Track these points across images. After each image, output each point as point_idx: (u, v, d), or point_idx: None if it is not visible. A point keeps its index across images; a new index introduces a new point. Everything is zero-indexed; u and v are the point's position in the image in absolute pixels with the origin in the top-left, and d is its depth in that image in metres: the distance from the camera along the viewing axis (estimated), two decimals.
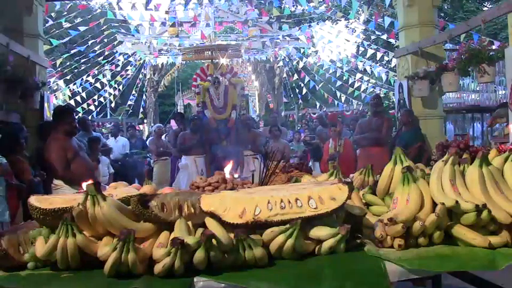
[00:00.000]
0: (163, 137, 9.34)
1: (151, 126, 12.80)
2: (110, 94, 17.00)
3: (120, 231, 1.39)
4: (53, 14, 10.47)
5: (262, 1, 15.34)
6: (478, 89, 10.53)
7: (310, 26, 15.28)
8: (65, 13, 10.94)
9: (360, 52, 16.90)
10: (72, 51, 14.26)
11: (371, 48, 13.79)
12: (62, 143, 4.59)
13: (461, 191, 1.61)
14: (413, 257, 1.43)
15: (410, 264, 1.40)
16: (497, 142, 5.78)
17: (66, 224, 1.46)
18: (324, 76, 16.10)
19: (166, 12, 13.50)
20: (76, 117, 6.17)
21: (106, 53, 14.15)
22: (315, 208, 1.49)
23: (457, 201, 1.50)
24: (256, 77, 17.51)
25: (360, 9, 14.50)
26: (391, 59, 12.87)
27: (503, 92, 9.12)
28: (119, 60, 15.42)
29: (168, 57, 14.53)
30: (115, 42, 13.99)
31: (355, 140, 7.11)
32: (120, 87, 16.51)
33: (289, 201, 1.50)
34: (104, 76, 15.64)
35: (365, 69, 14.86)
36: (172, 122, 13.84)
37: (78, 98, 14.78)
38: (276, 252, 1.46)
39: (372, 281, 1.34)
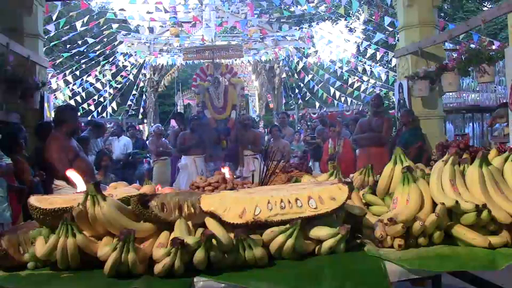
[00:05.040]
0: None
1: (151, 126, 12.80)
2: (110, 94, 17.00)
3: (120, 231, 1.39)
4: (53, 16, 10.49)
5: (262, 3, 15.33)
6: (478, 89, 10.53)
7: (310, 26, 15.28)
8: (65, 13, 10.95)
9: (360, 52, 16.93)
10: (73, 51, 14.26)
11: (371, 48, 13.79)
12: (63, 142, 4.58)
13: (461, 191, 1.61)
14: (413, 257, 1.43)
15: (411, 264, 1.40)
16: (497, 142, 5.78)
17: (66, 224, 1.46)
18: (323, 76, 16.11)
19: (166, 12, 13.50)
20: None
21: (106, 53, 14.15)
22: (315, 208, 1.49)
23: (457, 201, 1.50)
24: (256, 77, 17.49)
25: (360, 9, 14.51)
26: (391, 59, 12.89)
27: (503, 91, 9.12)
28: (118, 60, 15.41)
29: (168, 58, 14.53)
30: (115, 43, 13.99)
31: (355, 139, 7.11)
32: (120, 87, 16.53)
33: (289, 201, 1.50)
34: (104, 76, 15.64)
35: (365, 69, 14.87)
36: (173, 122, 13.85)
37: (78, 98, 14.79)
38: (276, 252, 1.46)
39: (372, 281, 1.34)
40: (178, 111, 17.31)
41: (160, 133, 9.07)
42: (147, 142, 9.86)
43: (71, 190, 4.30)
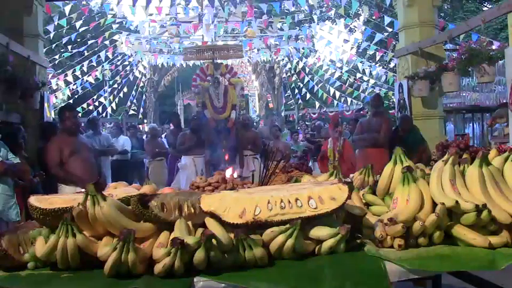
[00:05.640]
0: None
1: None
2: (110, 94, 17.01)
3: (120, 231, 1.40)
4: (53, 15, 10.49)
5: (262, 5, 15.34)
6: (477, 89, 10.55)
7: (310, 26, 15.28)
8: (66, 14, 10.95)
9: (360, 52, 16.93)
10: (73, 51, 14.26)
11: (371, 49, 13.77)
12: (59, 142, 4.60)
13: (461, 191, 1.61)
14: (413, 257, 1.44)
15: (411, 264, 1.40)
16: (497, 142, 5.78)
17: (66, 224, 1.46)
18: (323, 76, 16.12)
19: (167, 15, 13.52)
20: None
21: (106, 53, 14.14)
22: (315, 208, 1.49)
23: (457, 201, 1.50)
24: (256, 77, 17.49)
25: (360, 9, 14.50)
26: (391, 59, 12.89)
27: (503, 90, 9.12)
28: (119, 60, 15.42)
29: (168, 58, 14.53)
30: (116, 43, 13.99)
31: (354, 140, 7.10)
32: (120, 87, 16.55)
33: (289, 201, 1.50)
34: (103, 76, 15.62)
35: (364, 70, 14.88)
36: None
37: (78, 97, 14.79)
38: (276, 252, 1.46)
39: (372, 281, 1.34)
40: (175, 111, 17.32)
41: (155, 133, 9.05)
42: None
43: (69, 189, 4.31)
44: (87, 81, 14.72)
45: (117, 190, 1.84)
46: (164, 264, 1.35)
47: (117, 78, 16.59)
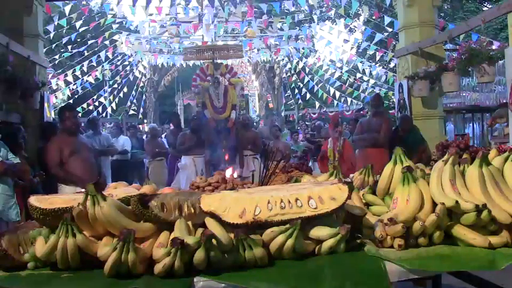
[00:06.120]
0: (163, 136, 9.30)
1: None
2: (110, 94, 17.02)
3: (120, 231, 1.40)
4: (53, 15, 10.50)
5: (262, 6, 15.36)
6: (477, 89, 10.54)
7: (310, 26, 15.29)
8: (66, 13, 10.96)
9: (360, 52, 16.94)
10: (73, 51, 14.26)
11: (371, 49, 13.79)
12: (59, 142, 4.60)
13: (461, 191, 1.61)
14: (413, 257, 1.44)
15: (411, 264, 1.40)
16: (497, 142, 5.78)
17: (66, 224, 1.46)
18: (323, 76, 16.12)
19: (167, 14, 13.52)
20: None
21: (106, 53, 14.16)
22: (315, 208, 1.49)
23: (457, 201, 1.50)
24: (256, 77, 17.49)
25: (360, 9, 14.52)
26: (391, 59, 12.89)
27: (503, 90, 9.12)
28: (119, 60, 15.42)
29: (168, 58, 14.54)
30: (116, 43, 14.00)
31: (354, 140, 7.10)
32: (120, 87, 16.56)
33: (289, 201, 1.50)
34: (103, 76, 15.62)
35: (364, 70, 14.89)
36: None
37: (78, 97, 14.79)
38: (276, 252, 1.46)
39: (372, 281, 1.34)
40: (175, 111, 17.33)
41: (155, 134, 9.05)
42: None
43: (69, 189, 4.31)
44: (87, 81, 14.73)
45: (117, 190, 1.84)
46: (164, 264, 1.35)
47: (117, 78, 16.59)
